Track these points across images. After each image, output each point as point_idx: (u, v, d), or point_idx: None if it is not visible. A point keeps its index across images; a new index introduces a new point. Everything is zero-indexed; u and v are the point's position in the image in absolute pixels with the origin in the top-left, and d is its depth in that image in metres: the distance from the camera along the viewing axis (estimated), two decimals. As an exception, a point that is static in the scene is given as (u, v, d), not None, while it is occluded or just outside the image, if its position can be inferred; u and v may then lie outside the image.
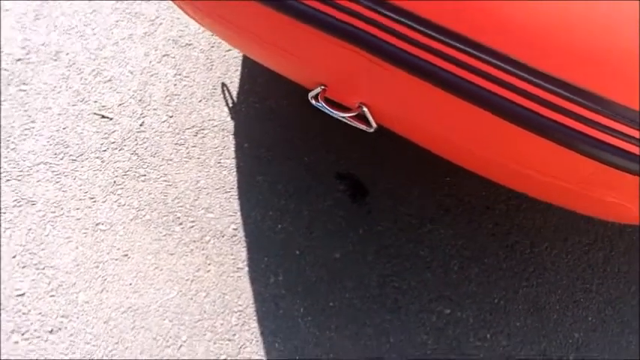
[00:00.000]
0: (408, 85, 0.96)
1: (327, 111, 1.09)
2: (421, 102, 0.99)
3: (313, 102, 1.11)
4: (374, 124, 1.10)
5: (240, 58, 1.73)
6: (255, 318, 1.47)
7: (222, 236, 1.54)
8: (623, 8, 0.85)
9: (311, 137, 1.63)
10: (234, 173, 1.60)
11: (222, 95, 1.69)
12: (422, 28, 0.90)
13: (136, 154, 1.61)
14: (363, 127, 1.11)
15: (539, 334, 1.45)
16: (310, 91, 1.11)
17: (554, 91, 0.88)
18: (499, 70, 0.90)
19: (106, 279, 1.49)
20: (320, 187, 1.59)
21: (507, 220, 1.56)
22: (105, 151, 1.62)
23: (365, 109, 1.05)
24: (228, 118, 1.66)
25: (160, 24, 1.76)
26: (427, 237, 1.54)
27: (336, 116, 1.08)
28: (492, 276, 1.51)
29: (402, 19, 0.91)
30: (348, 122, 1.10)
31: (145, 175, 1.60)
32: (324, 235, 1.54)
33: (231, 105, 1.68)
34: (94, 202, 1.56)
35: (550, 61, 0.88)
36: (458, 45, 0.90)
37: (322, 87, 1.07)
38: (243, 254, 1.52)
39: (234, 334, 1.45)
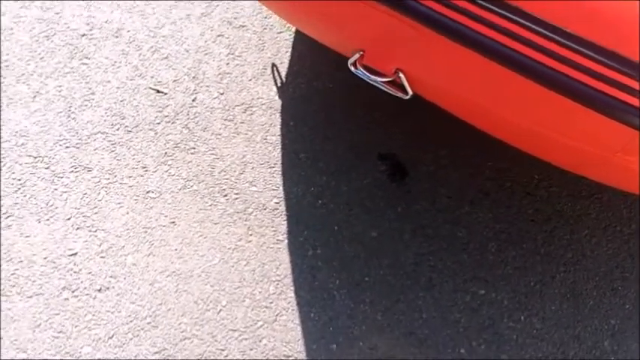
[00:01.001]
0: (446, 51, 0.98)
1: (365, 77, 1.12)
2: (457, 67, 1.01)
3: (352, 69, 1.15)
4: (410, 91, 1.13)
5: (291, 40, 1.79)
6: (292, 288, 1.51)
7: (265, 209, 1.59)
8: None
9: (355, 118, 1.67)
10: (279, 149, 1.66)
11: (271, 75, 1.75)
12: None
13: (188, 127, 1.69)
14: (399, 94, 1.14)
15: (574, 319, 1.45)
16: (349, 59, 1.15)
17: (599, 60, 0.90)
18: (545, 39, 0.91)
19: (153, 244, 1.56)
20: (361, 166, 1.62)
21: (548, 207, 1.56)
22: (158, 123, 1.69)
23: (401, 75, 1.09)
24: (276, 97, 1.72)
25: (217, 5, 1.83)
26: (465, 219, 1.56)
27: (373, 82, 1.12)
28: (529, 260, 1.51)
29: None
30: (385, 89, 1.14)
31: (194, 148, 1.67)
32: (363, 212, 1.58)
33: (279, 85, 1.73)
34: (146, 171, 1.64)
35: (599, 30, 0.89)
36: (498, 10, 0.93)
37: (360, 53, 1.11)
38: (284, 227, 1.57)
39: (272, 302, 1.50)
